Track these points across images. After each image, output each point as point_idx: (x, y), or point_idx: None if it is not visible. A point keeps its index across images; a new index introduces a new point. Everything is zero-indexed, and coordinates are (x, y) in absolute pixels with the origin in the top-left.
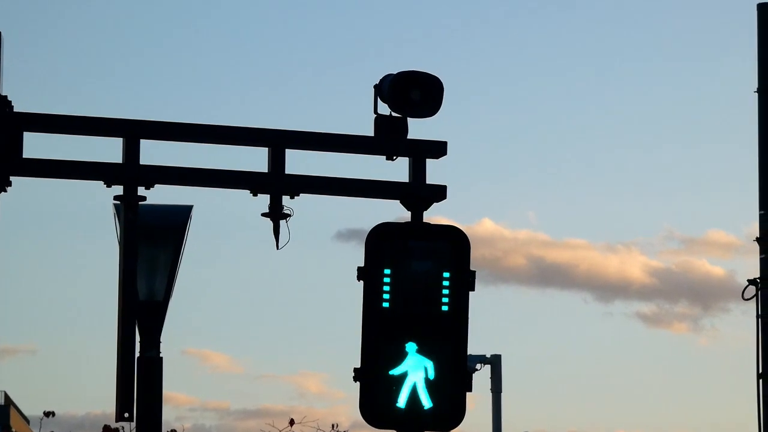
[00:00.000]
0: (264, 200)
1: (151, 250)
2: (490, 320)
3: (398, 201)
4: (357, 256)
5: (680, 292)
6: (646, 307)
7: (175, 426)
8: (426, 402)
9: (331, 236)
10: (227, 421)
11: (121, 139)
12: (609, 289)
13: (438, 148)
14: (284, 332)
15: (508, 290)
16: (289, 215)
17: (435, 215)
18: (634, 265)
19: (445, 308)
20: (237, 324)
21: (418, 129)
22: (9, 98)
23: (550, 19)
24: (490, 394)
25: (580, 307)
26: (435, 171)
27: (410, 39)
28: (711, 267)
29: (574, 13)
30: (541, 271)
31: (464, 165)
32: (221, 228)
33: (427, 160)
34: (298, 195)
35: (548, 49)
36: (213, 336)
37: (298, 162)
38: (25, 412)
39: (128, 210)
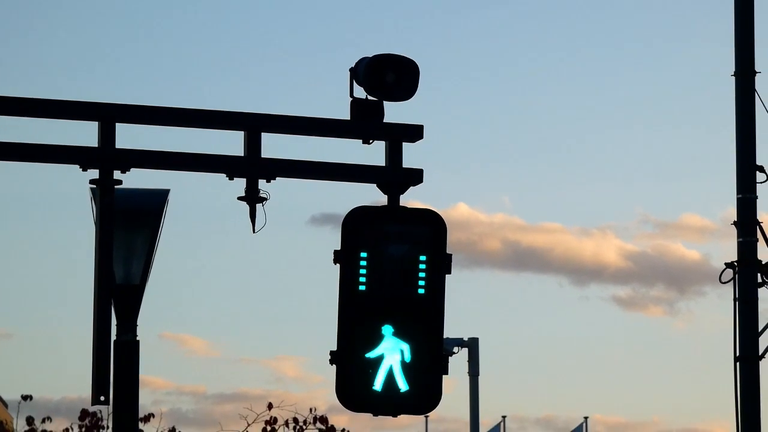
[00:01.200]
0: (240, 184)
1: (127, 234)
2: (467, 304)
3: (374, 185)
4: (333, 240)
5: (656, 276)
6: (622, 291)
7: (152, 410)
8: (402, 385)
9: (306, 220)
10: (204, 405)
11: (97, 122)
12: (584, 272)
13: (414, 132)
14: (261, 316)
15: (484, 274)
16: (266, 199)
17: (411, 199)
18: (609, 249)
19: (421, 291)
20: (213, 308)
21: (394, 112)
22: None
23: (527, 4)
24: (468, 377)
25: (555, 290)
26: (411, 155)
27: (386, 22)
28: (686, 251)
29: None
30: (516, 254)
31: (440, 149)
32: (198, 212)
33: (404, 143)
34: (274, 179)
35: (525, 33)
36: (190, 320)
37: (274, 146)
38: (3, 396)
39: (104, 194)
